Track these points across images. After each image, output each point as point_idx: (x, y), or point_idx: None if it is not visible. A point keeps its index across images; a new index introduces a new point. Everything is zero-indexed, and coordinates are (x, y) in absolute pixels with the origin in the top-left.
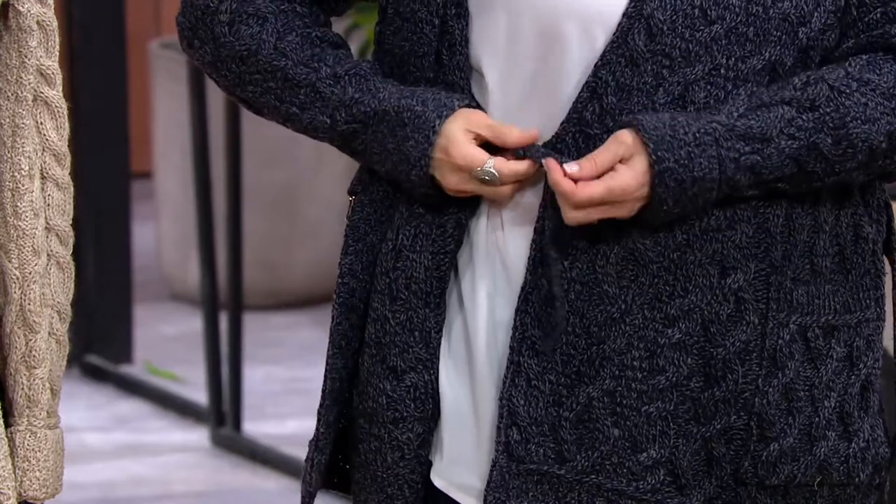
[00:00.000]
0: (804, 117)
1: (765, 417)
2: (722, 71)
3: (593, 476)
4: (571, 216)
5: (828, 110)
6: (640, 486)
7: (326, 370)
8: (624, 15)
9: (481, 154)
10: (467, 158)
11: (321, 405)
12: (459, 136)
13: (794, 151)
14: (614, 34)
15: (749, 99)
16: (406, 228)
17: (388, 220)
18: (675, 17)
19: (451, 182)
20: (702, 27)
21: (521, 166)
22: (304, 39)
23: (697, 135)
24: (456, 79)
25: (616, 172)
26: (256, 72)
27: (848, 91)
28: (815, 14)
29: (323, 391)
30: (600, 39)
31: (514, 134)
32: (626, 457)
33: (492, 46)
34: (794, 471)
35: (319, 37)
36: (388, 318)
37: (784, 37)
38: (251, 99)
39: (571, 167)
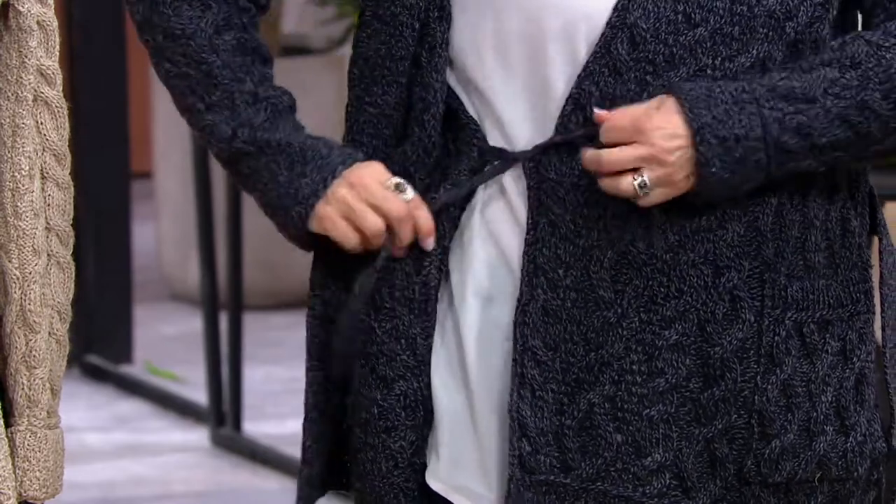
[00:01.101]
0: (848, 76)
1: (765, 415)
2: (709, 71)
3: (599, 483)
4: (605, 158)
5: (870, 65)
6: (647, 491)
7: (307, 384)
8: (607, 24)
9: (386, 175)
10: (378, 176)
11: (306, 418)
12: (369, 170)
13: (842, 111)
14: (597, 45)
15: (788, 66)
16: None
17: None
18: (658, 24)
19: (357, 204)
20: (685, 31)
21: (428, 217)
22: (239, 43)
23: (735, 93)
24: (432, 80)
25: (644, 110)
26: (181, 55)
27: (888, 45)
28: (802, 7)
29: (306, 404)
30: (584, 48)
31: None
32: (631, 462)
33: (477, 51)
34: (795, 467)
35: (254, 48)
36: (374, 328)
37: (771, 33)
38: (163, 74)
39: (599, 111)
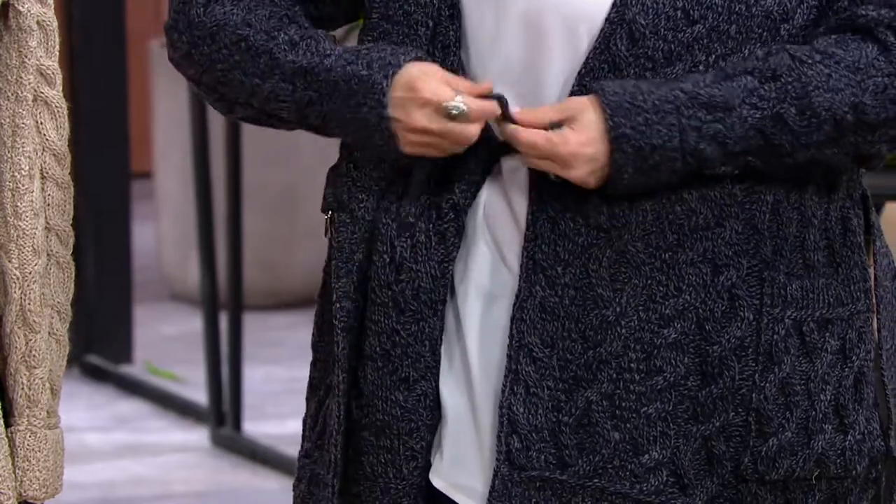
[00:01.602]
0: (766, 87)
1: (763, 413)
2: (701, 67)
3: (596, 480)
4: (526, 161)
5: (790, 80)
6: (644, 489)
7: (339, 395)
8: (606, 20)
9: (448, 89)
10: (436, 91)
11: (337, 431)
12: (423, 74)
13: (757, 122)
14: (597, 41)
15: (714, 71)
16: (401, 240)
17: (372, 238)
18: (657, 20)
19: (417, 120)
20: (684, 28)
21: (487, 104)
22: (272, 14)
23: (657, 102)
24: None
25: (560, 132)
26: (224, 46)
27: (810, 62)
28: (798, 11)
29: (338, 417)
30: (584, 44)
31: (465, 83)
32: (628, 459)
33: (478, 50)
34: (792, 465)
35: (288, 15)
36: (397, 329)
37: (765, 34)
38: (220, 79)
39: (514, 108)
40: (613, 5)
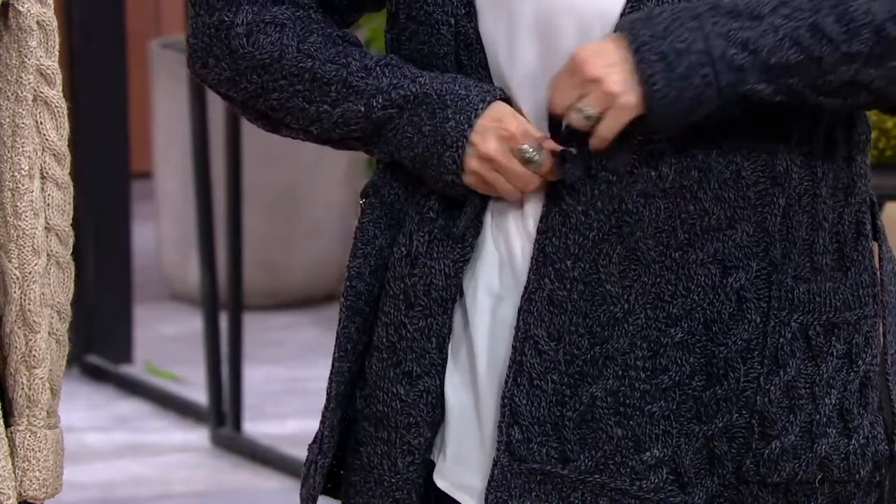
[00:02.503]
0: None
1: (766, 415)
2: None
3: (597, 476)
4: (552, 102)
5: None
6: (644, 486)
7: (332, 373)
8: (621, 16)
9: (533, 135)
10: (522, 130)
11: (326, 408)
12: (515, 114)
13: (792, 31)
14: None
15: None
16: (419, 234)
17: (398, 225)
18: None
19: (490, 148)
20: None
21: (554, 166)
22: (326, 39)
23: (675, 11)
24: (481, 77)
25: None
26: (282, 77)
27: None
28: None
29: (328, 394)
30: (597, 40)
31: (546, 138)
32: (630, 456)
33: (494, 46)
34: (795, 468)
35: (340, 36)
36: (404, 323)
37: None
38: (275, 106)
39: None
40: (628, 3)
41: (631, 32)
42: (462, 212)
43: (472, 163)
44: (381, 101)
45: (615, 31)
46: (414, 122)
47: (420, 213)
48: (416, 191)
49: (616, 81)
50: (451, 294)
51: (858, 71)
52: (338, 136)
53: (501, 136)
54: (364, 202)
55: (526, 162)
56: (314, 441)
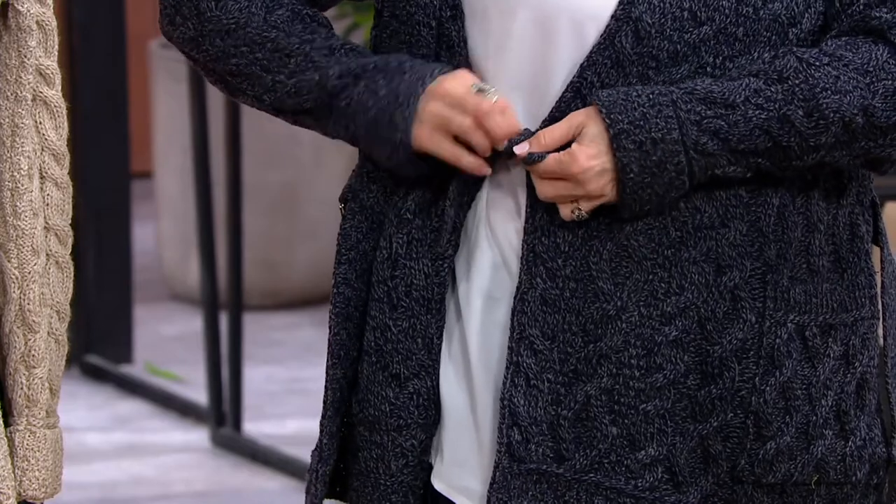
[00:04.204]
0: (773, 88)
1: (762, 416)
2: (709, 69)
3: (592, 475)
4: (539, 190)
5: (797, 81)
6: (639, 484)
7: (327, 380)
8: (612, 17)
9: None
10: (465, 81)
11: (323, 416)
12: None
13: (763, 122)
14: (601, 36)
15: (713, 76)
16: (398, 236)
17: (380, 228)
18: (663, 19)
19: (453, 88)
20: (690, 29)
21: (514, 114)
22: (294, 15)
23: (652, 96)
24: None
25: (569, 151)
26: (244, 44)
27: (818, 64)
28: (806, 15)
29: (324, 402)
30: (590, 40)
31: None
32: (625, 455)
33: (484, 47)
34: (790, 469)
35: (310, 15)
36: (389, 325)
37: (774, 37)
38: (234, 71)
39: (521, 147)
40: (620, 3)
41: (609, 117)
42: (447, 199)
43: (433, 107)
44: (337, 70)
45: (595, 100)
46: (370, 89)
47: (398, 214)
48: (393, 193)
49: (600, 185)
50: (433, 293)
51: (825, 155)
52: (290, 107)
53: (448, 95)
54: (343, 207)
55: (479, 91)
56: (315, 448)
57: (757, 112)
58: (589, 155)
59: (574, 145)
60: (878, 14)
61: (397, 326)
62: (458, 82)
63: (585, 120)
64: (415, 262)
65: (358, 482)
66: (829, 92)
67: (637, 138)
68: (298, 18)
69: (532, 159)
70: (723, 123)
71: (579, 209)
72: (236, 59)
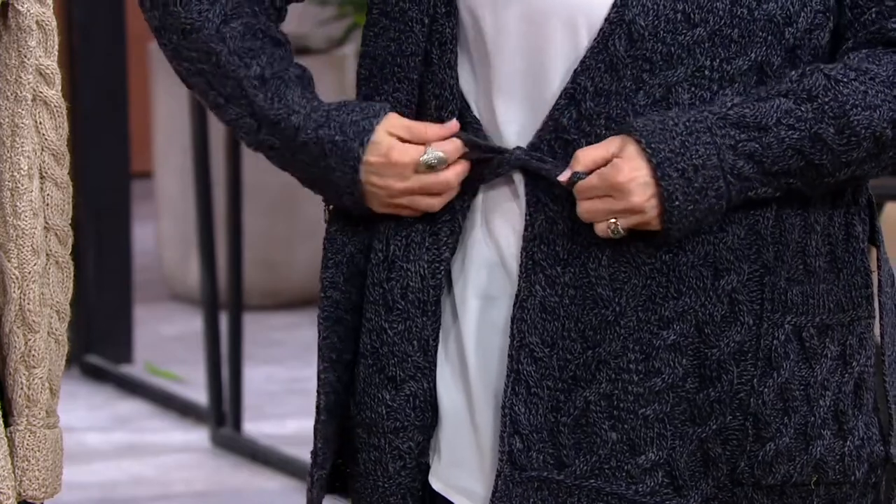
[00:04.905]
0: (803, 108)
1: (760, 418)
2: (706, 72)
3: (592, 480)
4: (580, 209)
5: (826, 99)
6: (639, 489)
7: (319, 385)
8: (606, 20)
9: (417, 148)
10: (409, 152)
11: (317, 420)
12: (395, 143)
13: (795, 142)
14: (595, 40)
15: (744, 95)
16: (396, 238)
17: (368, 230)
18: (656, 22)
19: (395, 185)
20: (684, 31)
21: (457, 143)
22: (246, 29)
23: (688, 123)
24: (446, 77)
25: (612, 164)
26: (194, 49)
27: (845, 80)
28: (802, 14)
29: (318, 406)
30: (584, 44)
31: (432, 129)
32: (625, 460)
33: (480, 52)
34: (790, 470)
35: (262, 30)
36: (384, 328)
37: (770, 37)
38: (183, 74)
39: (564, 175)
40: (613, 5)
41: (650, 147)
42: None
43: (382, 201)
44: (266, 130)
45: (632, 130)
46: (300, 166)
47: (397, 217)
48: None
49: (651, 209)
50: (429, 296)
51: (856, 170)
52: (231, 127)
53: (398, 171)
54: (329, 209)
55: (430, 168)
56: (312, 453)
57: (789, 133)
58: (632, 167)
59: (616, 159)
60: (893, 25)
61: (393, 329)
62: (396, 158)
63: (624, 142)
64: (411, 265)
65: (358, 483)
66: (859, 108)
67: (679, 166)
68: (250, 34)
69: (575, 179)
70: (757, 146)
71: (616, 225)
72: (187, 63)
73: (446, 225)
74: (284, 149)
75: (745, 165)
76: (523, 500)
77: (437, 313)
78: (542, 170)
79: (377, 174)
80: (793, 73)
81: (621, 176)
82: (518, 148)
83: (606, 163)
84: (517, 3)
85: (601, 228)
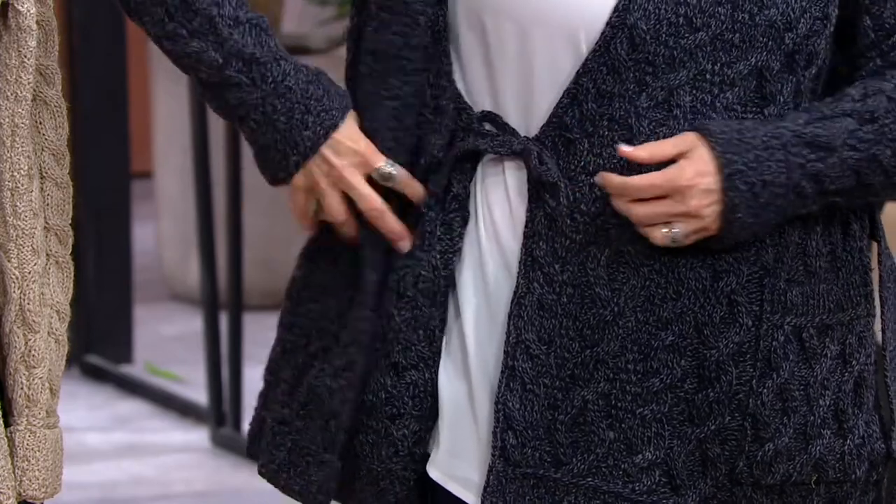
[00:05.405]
0: (865, 129)
1: (759, 418)
2: (708, 76)
3: (589, 479)
4: (634, 212)
5: (887, 121)
6: (636, 488)
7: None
8: (607, 24)
9: (381, 156)
10: (377, 153)
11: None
12: (359, 133)
13: (855, 163)
14: (597, 43)
15: (809, 111)
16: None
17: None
18: (658, 25)
19: (344, 174)
20: (686, 35)
21: (417, 185)
22: None
23: (765, 139)
24: (443, 66)
25: (676, 165)
26: None
27: None
28: (802, 20)
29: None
30: (583, 47)
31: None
32: (622, 459)
33: (479, 47)
34: (789, 470)
35: None
36: (392, 314)
37: (770, 42)
38: (139, 7)
39: (624, 148)
40: (615, 10)
41: (724, 156)
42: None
43: (320, 179)
44: (237, 65)
45: (706, 134)
46: (266, 112)
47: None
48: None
49: (712, 216)
50: (439, 286)
51: None
52: (184, 66)
53: (358, 161)
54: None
55: (385, 179)
56: (282, 421)
57: (851, 153)
58: (698, 171)
59: (682, 160)
60: None
61: (400, 316)
62: (362, 154)
63: (695, 142)
64: (424, 254)
65: (350, 463)
66: None
67: (749, 180)
68: None
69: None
70: (822, 167)
71: (675, 230)
72: None
73: (458, 214)
74: (255, 89)
75: (808, 185)
76: (518, 496)
77: (445, 304)
78: (546, 160)
79: (336, 153)
80: (853, 91)
81: (684, 179)
82: (525, 137)
83: (669, 161)
84: (517, 8)
85: (658, 236)
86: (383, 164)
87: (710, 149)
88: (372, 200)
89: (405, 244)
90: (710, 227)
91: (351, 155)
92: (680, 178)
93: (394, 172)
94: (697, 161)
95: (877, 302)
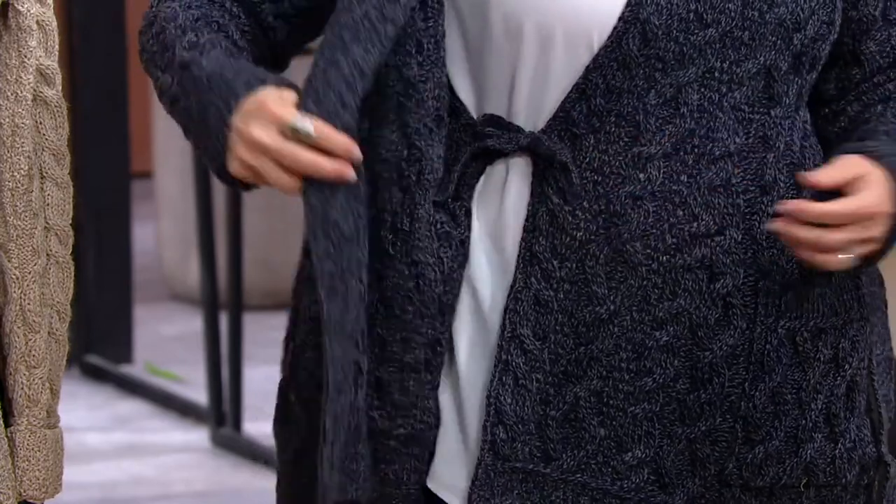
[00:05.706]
0: None
1: (750, 421)
2: (716, 74)
3: (578, 475)
4: (827, 238)
5: None
6: (625, 485)
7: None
8: (620, 19)
9: (294, 111)
10: (285, 108)
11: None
12: (280, 97)
13: None
14: (609, 38)
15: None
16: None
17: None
18: (670, 21)
19: (254, 132)
20: (697, 31)
21: (339, 136)
22: (201, 17)
23: None
24: (442, 77)
25: (861, 192)
26: (151, 37)
27: None
28: (810, 22)
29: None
30: (595, 42)
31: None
32: (612, 456)
33: (485, 39)
34: (779, 472)
35: (219, 24)
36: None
37: (779, 42)
38: (144, 66)
39: (811, 177)
40: (628, 4)
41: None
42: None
43: (239, 150)
44: (176, 79)
45: (876, 155)
46: (186, 109)
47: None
48: None
49: (883, 231)
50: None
51: None
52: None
53: (265, 118)
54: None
55: (294, 133)
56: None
57: None
58: (881, 196)
59: (863, 188)
60: None
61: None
62: (265, 120)
63: (867, 167)
64: (430, 258)
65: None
66: None
67: None
68: (203, 22)
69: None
70: None
71: (853, 255)
72: (145, 53)
73: (465, 220)
74: (184, 94)
75: None
76: (506, 490)
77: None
78: (556, 151)
79: (243, 119)
80: None
81: (873, 206)
82: (531, 132)
83: (845, 184)
84: (528, 5)
85: (835, 261)
86: (294, 117)
87: (887, 172)
88: (290, 150)
89: (349, 173)
90: (875, 252)
91: (257, 116)
92: (870, 205)
93: (307, 125)
94: (878, 185)
95: (892, 305)
